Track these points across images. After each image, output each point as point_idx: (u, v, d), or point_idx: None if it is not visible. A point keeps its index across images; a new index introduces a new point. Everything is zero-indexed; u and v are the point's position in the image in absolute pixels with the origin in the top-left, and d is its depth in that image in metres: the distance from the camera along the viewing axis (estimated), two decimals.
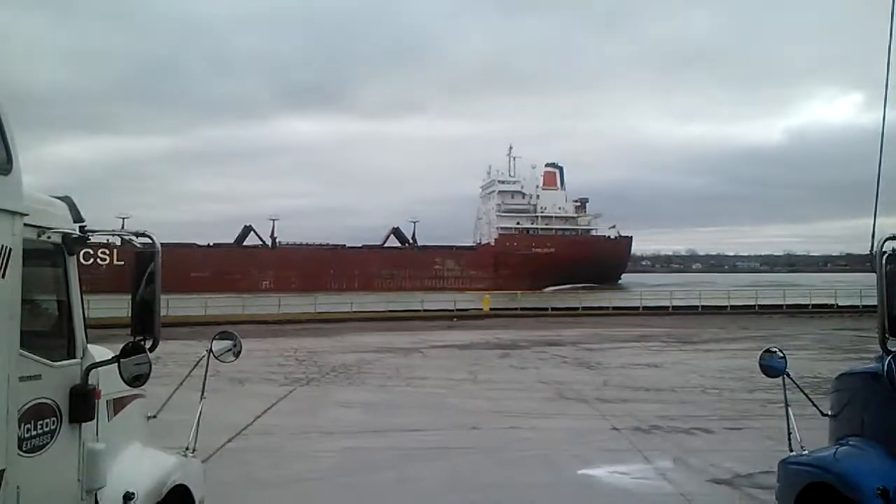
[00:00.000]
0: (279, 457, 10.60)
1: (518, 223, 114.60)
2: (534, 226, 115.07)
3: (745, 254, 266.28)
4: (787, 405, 5.69)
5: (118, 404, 4.76)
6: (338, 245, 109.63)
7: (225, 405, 13.10)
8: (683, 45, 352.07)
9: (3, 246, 3.18)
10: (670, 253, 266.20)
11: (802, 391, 5.68)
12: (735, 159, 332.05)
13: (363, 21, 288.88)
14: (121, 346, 4.27)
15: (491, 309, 47.46)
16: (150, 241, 4.41)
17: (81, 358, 4.20)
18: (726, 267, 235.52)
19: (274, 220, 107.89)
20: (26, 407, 3.59)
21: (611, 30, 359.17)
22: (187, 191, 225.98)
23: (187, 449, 5.57)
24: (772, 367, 5.84)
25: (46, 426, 3.82)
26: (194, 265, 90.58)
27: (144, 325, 4.26)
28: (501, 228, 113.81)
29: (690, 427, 12.34)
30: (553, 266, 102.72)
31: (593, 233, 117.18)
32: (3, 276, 3.19)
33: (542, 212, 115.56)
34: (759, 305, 48.95)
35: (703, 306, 48.76)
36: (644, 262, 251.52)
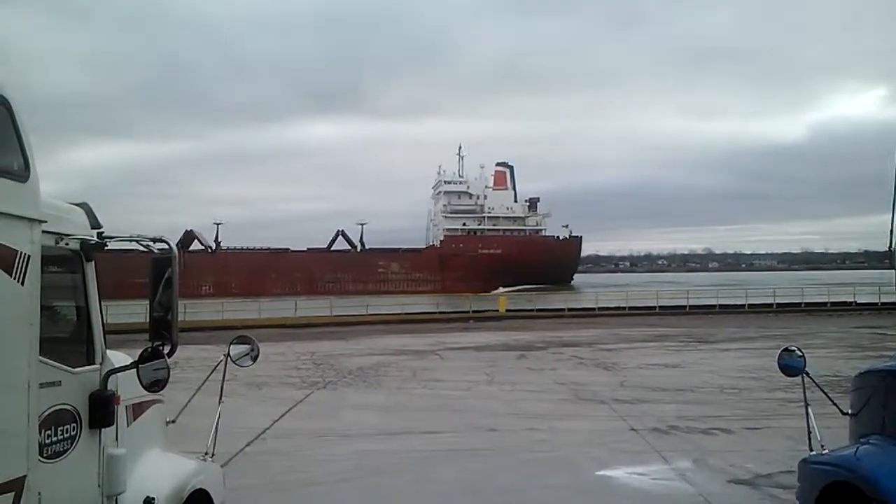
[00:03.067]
0: (297, 460, 10.62)
1: (464, 224, 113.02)
2: (481, 226, 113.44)
3: (763, 252, 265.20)
4: (806, 404, 5.66)
5: (137, 409, 4.79)
6: (281, 249, 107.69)
7: (243, 409, 13.16)
8: (703, 42, 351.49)
9: (21, 253, 3.21)
10: (686, 252, 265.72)
11: (822, 390, 5.65)
12: (754, 156, 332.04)
13: (380, 23, 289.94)
14: (139, 351, 4.29)
15: (507, 310, 47.38)
16: (167, 246, 4.43)
17: (100, 364, 4.23)
18: (743, 265, 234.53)
19: (218, 225, 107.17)
20: (47, 413, 3.62)
21: (629, 28, 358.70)
22: (204, 195, 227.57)
23: (206, 453, 5.60)
24: (791, 366, 5.82)
25: (67, 432, 3.84)
26: (133, 271, 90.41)
27: (162, 331, 4.27)
28: (448, 230, 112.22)
29: (709, 427, 12.27)
30: (501, 267, 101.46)
31: (543, 233, 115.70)
32: (23, 283, 3.21)
33: (489, 212, 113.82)
34: (777, 304, 48.61)
35: (720, 305, 48.52)
36: (661, 262, 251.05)
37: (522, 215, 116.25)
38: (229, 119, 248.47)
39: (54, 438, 3.73)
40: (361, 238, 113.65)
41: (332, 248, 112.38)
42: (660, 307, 48.46)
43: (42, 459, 3.51)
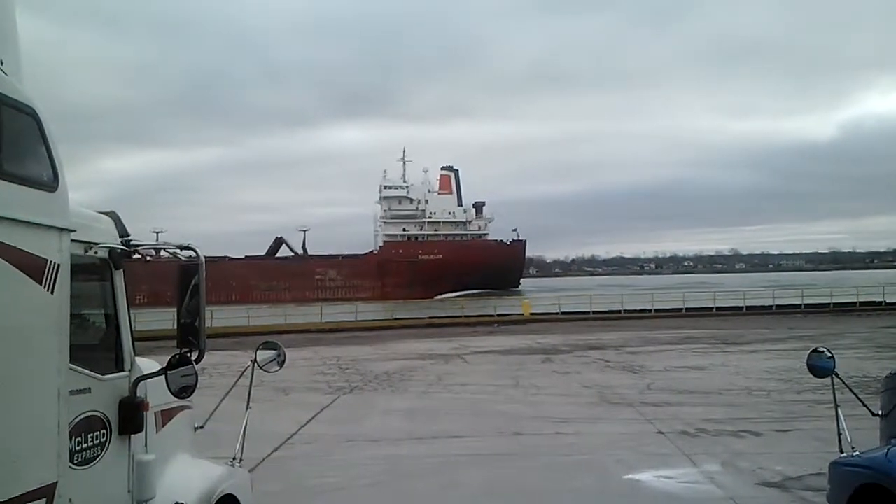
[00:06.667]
0: (324, 465, 10.66)
1: (404, 229, 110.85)
2: (421, 231, 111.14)
3: (790, 252, 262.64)
4: (836, 405, 5.59)
5: (166, 416, 4.82)
6: (218, 257, 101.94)
7: (270, 415, 13.23)
8: (731, 40, 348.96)
9: (51, 262, 3.25)
10: (713, 252, 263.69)
11: (852, 391, 5.58)
12: (782, 155, 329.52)
13: (410, 26, 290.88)
14: (167, 358, 4.33)
15: (531, 314, 47.26)
16: (194, 253, 4.47)
17: (129, 371, 4.28)
18: (770, 266, 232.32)
19: (157, 233, 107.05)
20: (77, 420, 3.66)
21: (658, 27, 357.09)
22: (234, 201, 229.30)
23: (234, 459, 5.62)
24: (820, 367, 5.75)
25: (96, 439, 3.89)
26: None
27: (190, 337, 4.30)
28: (387, 235, 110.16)
29: (738, 430, 12.16)
30: (442, 273, 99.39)
31: (486, 237, 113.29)
32: (52, 292, 3.25)
33: (430, 217, 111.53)
34: (805, 304, 48.08)
35: (747, 307, 48.06)
36: (687, 263, 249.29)
37: (465, 220, 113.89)
38: (259, 125, 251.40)
39: (84, 445, 3.78)
40: (304, 245, 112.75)
41: (277, 256, 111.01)
42: (686, 309, 48.07)
43: (72, 466, 3.54)
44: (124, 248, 4.32)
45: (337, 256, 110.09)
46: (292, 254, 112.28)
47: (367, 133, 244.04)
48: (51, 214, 3.28)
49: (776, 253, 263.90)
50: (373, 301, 70.94)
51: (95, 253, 4.04)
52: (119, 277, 4.29)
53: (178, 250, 4.56)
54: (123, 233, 4.41)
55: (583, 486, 9.32)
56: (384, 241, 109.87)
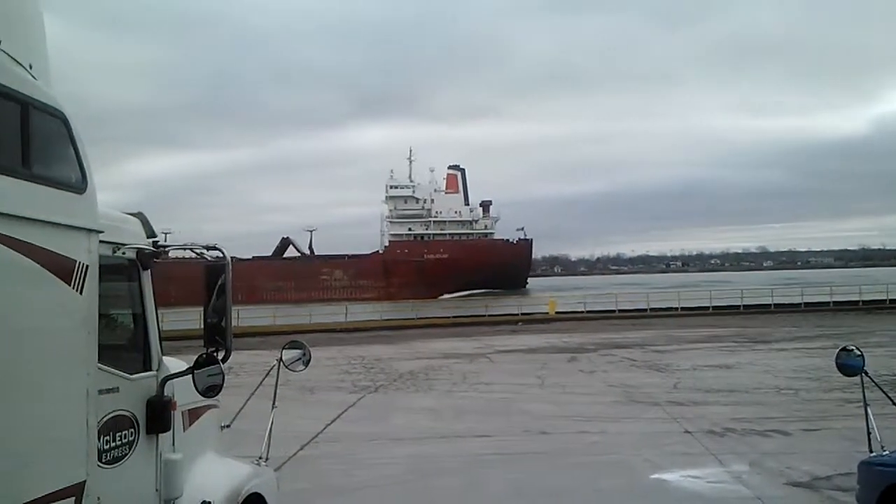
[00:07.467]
0: (350, 464, 10.70)
1: (410, 229, 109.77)
2: (427, 231, 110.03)
3: (818, 249, 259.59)
4: (865, 404, 5.54)
5: (193, 415, 4.86)
6: None
7: (296, 414, 13.30)
8: (757, 36, 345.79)
9: (80, 263, 3.28)
10: (739, 250, 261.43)
11: (882, 390, 5.53)
12: (809, 152, 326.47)
13: (430, 27, 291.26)
14: (194, 357, 4.36)
15: (556, 312, 47.11)
16: (220, 254, 4.50)
17: (157, 370, 4.31)
18: (799, 263, 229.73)
19: (166, 234, 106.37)
20: (105, 419, 3.70)
21: (681, 24, 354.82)
22: (252, 202, 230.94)
23: (260, 458, 5.66)
24: (849, 365, 5.70)
25: (125, 437, 3.92)
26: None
27: (217, 337, 4.33)
28: (393, 235, 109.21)
29: (766, 429, 12.04)
30: (448, 272, 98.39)
31: (492, 237, 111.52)
32: (81, 293, 3.28)
33: (436, 216, 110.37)
34: (834, 302, 47.53)
35: (775, 304, 47.57)
36: (714, 261, 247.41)
37: (471, 219, 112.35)
38: (280, 127, 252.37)
39: (113, 444, 3.81)
40: (310, 245, 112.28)
41: (284, 256, 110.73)
42: (713, 307, 47.67)
43: (101, 465, 3.58)
44: (152, 248, 4.36)
45: (343, 256, 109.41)
46: (299, 254, 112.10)
47: (387, 133, 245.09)
48: (79, 216, 3.31)
49: (804, 250, 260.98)
50: (378, 301, 70.70)
51: (123, 254, 4.08)
52: (147, 278, 4.34)
53: (204, 251, 4.59)
54: (151, 234, 4.45)
55: (609, 486, 9.28)
56: (390, 241, 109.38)
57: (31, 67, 3.17)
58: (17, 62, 3.07)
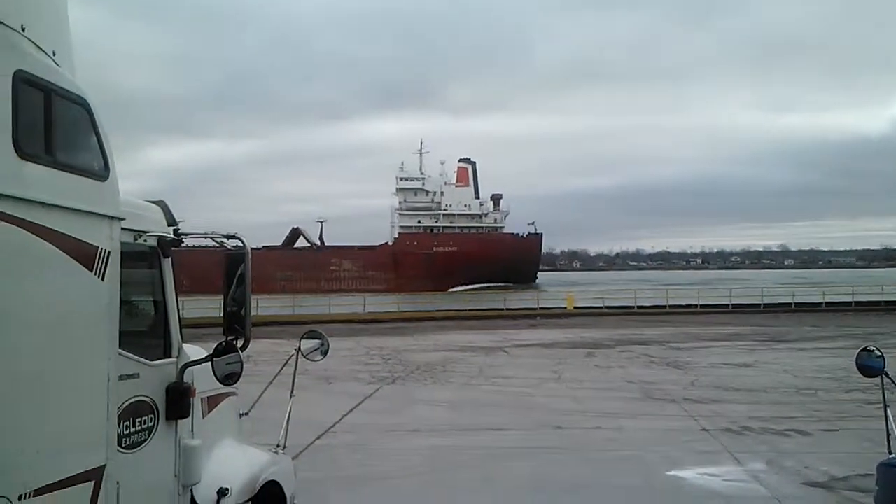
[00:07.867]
0: (366, 454, 10.74)
1: (419, 221, 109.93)
2: (437, 224, 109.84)
3: (840, 248, 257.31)
4: (885, 405, 5.48)
5: (212, 402, 4.90)
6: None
7: (313, 403, 13.36)
8: (781, 34, 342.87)
9: (101, 249, 3.30)
10: (761, 248, 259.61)
11: None
12: (833, 150, 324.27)
13: (450, 20, 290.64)
14: (213, 345, 4.39)
15: (575, 307, 46.99)
16: (240, 243, 4.52)
17: (177, 357, 4.35)
18: (820, 262, 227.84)
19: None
20: (125, 405, 3.73)
21: (703, 21, 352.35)
22: (274, 192, 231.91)
23: (278, 446, 5.69)
24: (869, 366, 5.65)
25: (144, 423, 3.96)
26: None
27: (236, 325, 4.36)
28: (403, 227, 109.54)
29: (784, 428, 11.96)
30: (457, 265, 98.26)
31: (502, 230, 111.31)
32: (103, 279, 3.30)
33: (446, 209, 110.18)
34: (855, 302, 47.09)
35: (796, 303, 47.16)
36: (734, 259, 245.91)
37: (481, 212, 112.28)
38: (298, 118, 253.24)
39: (132, 429, 3.85)
40: (321, 236, 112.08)
41: (295, 246, 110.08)
42: (733, 305, 47.39)
43: (121, 450, 3.61)
44: (173, 236, 4.38)
45: (352, 248, 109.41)
46: (309, 245, 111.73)
47: (402, 126, 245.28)
48: (101, 203, 3.33)
49: (826, 249, 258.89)
50: (387, 293, 70.80)
51: (144, 241, 4.12)
52: (167, 265, 4.37)
53: (224, 239, 4.62)
54: (172, 222, 4.48)
55: (626, 482, 9.25)
56: (399, 233, 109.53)
57: (54, 55, 3.19)
58: (41, 49, 3.09)
